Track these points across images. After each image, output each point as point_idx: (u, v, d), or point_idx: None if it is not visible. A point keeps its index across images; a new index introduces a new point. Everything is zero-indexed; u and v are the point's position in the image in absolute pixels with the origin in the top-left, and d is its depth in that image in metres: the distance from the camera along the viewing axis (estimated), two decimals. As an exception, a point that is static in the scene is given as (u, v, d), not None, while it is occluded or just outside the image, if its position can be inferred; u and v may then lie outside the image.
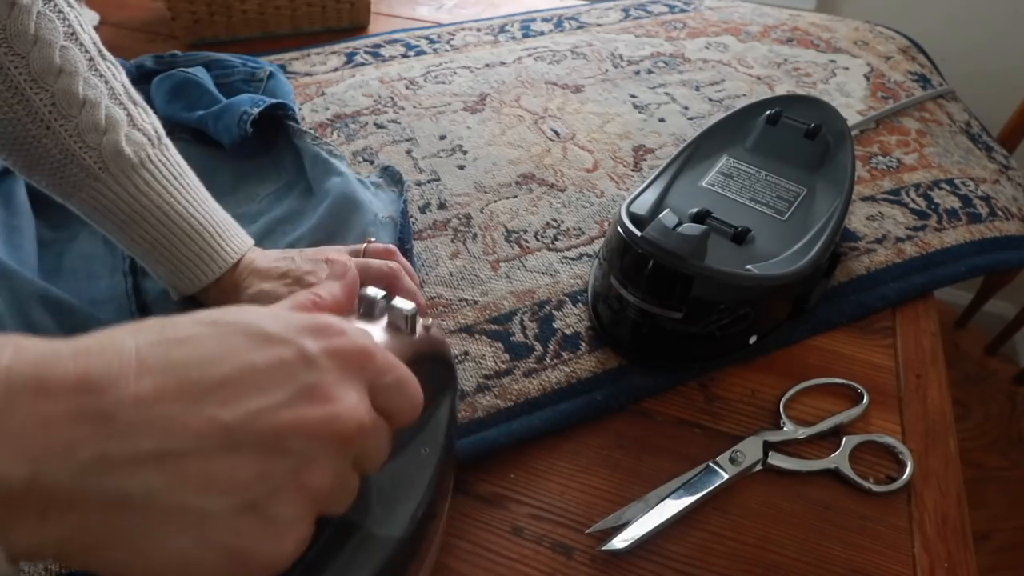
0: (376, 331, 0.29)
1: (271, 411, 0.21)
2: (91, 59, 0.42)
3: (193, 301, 0.49)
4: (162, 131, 0.46)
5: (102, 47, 0.44)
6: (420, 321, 0.31)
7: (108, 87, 0.43)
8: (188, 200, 0.46)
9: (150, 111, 0.46)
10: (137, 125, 0.44)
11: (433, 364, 0.34)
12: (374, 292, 0.30)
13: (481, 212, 0.61)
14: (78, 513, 0.19)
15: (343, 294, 0.29)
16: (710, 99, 0.76)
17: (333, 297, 0.29)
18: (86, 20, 0.43)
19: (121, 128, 0.43)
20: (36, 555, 0.19)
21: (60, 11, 0.41)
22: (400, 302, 0.30)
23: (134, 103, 0.45)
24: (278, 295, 0.45)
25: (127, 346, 0.21)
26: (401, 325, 0.30)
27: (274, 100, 0.64)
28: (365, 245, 0.49)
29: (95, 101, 0.42)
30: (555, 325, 0.51)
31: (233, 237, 0.48)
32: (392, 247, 0.49)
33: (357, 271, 0.30)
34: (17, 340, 0.20)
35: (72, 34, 0.41)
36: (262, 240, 0.55)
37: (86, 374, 0.19)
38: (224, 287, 0.48)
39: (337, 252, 0.48)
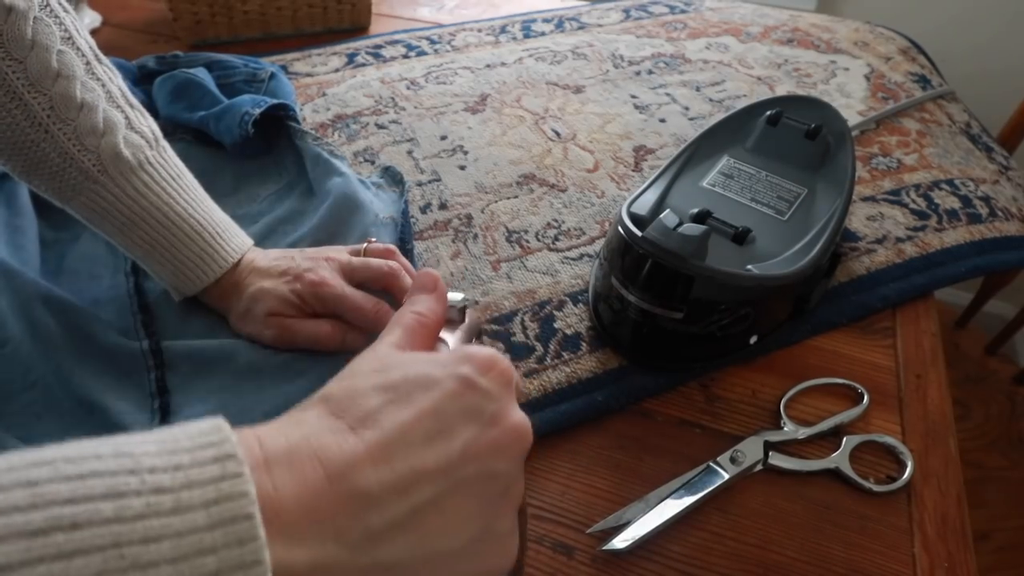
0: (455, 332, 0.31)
1: (475, 444, 0.23)
2: (88, 63, 0.43)
3: (194, 301, 0.50)
4: (159, 133, 0.47)
5: (98, 51, 0.44)
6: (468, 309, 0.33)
7: (105, 90, 0.43)
8: (187, 201, 0.46)
9: (147, 114, 0.46)
10: (135, 128, 0.45)
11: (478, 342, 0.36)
12: (451, 299, 0.32)
13: (482, 212, 0.61)
14: None
15: (440, 307, 0.30)
16: (711, 99, 0.77)
17: (434, 313, 0.30)
18: (82, 25, 0.44)
19: (119, 131, 0.43)
20: None
21: (56, 16, 0.41)
22: (450, 295, 0.32)
23: (131, 106, 0.45)
24: (279, 292, 0.45)
25: (336, 427, 0.23)
26: (454, 316, 0.32)
27: (275, 101, 0.65)
28: (365, 245, 0.50)
29: (93, 104, 0.42)
30: (556, 325, 0.52)
31: (233, 237, 0.48)
32: (392, 247, 0.50)
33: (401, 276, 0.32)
34: (251, 441, 0.21)
35: (69, 39, 0.41)
36: (263, 240, 0.55)
37: (326, 459, 0.21)
38: (224, 287, 0.48)
39: (337, 252, 0.48)
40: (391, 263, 0.47)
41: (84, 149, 0.42)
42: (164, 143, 0.46)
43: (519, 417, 0.25)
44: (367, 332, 0.46)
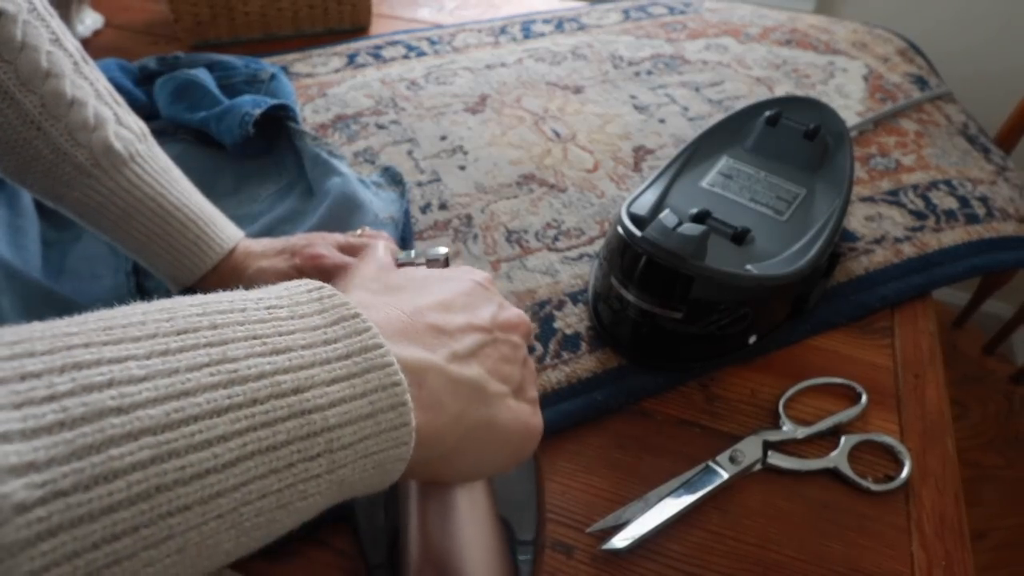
0: None
1: (496, 317, 0.28)
2: (75, 63, 0.43)
3: (192, 292, 0.50)
4: (147, 130, 0.48)
5: (85, 54, 0.45)
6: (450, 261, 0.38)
7: (94, 88, 0.44)
8: (178, 192, 0.47)
9: (132, 112, 0.47)
10: (123, 123, 0.46)
11: None
12: (435, 251, 0.38)
13: (482, 212, 0.61)
14: (453, 398, 0.24)
15: (391, 241, 0.36)
16: (710, 100, 0.77)
17: (389, 238, 0.35)
18: (66, 30, 0.44)
19: (109, 125, 0.44)
20: (420, 452, 0.23)
21: (44, 19, 0.42)
22: (433, 250, 0.38)
23: (118, 104, 0.46)
24: (278, 269, 0.47)
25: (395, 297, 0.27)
26: (439, 267, 0.36)
27: (275, 101, 0.65)
28: (360, 232, 0.50)
29: (83, 100, 0.43)
30: (555, 325, 0.52)
31: (226, 227, 0.49)
32: (384, 233, 0.50)
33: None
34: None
35: (56, 40, 0.42)
36: (264, 238, 0.55)
37: (399, 305, 0.25)
38: (223, 273, 0.48)
39: (331, 236, 0.49)
40: (371, 235, 0.49)
41: (76, 144, 0.43)
42: (151, 139, 0.47)
43: (518, 309, 0.31)
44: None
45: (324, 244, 0.47)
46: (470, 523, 0.29)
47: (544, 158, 0.68)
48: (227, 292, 0.21)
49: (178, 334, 0.18)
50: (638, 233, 0.46)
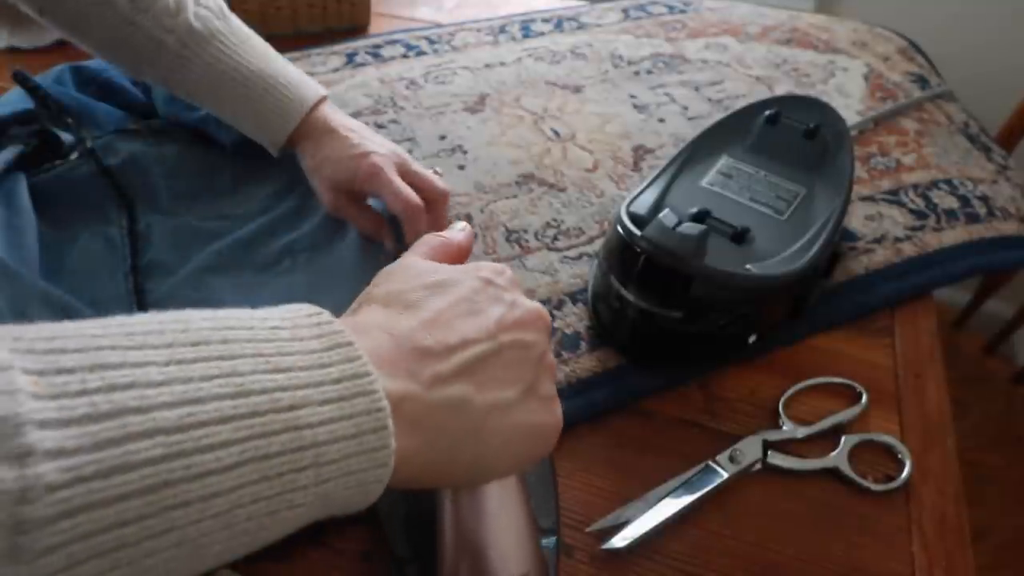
0: None
1: (505, 319, 0.28)
2: None
3: (198, 302, 0.50)
4: (224, 6, 0.53)
5: None
6: None
7: None
8: (258, 61, 0.52)
9: None
10: (201, 3, 0.51)
11: None
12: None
13: (481, 212, 0.61)
14: (431, 419, 0.25)
15: (467, 244, 0.35)
16: (710, 99, 0.77)
17: (459, 243, 0.35)
18: None
19: (189, 7, 0.51)
20: (405, 470, 0.24)
21: None
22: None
23: None
24: (342, 167, 0.51)
25: (389, 313, 0.27)
26: None
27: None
28: (432, 170, 0.55)
29: None
30: (555, 325, 0.52)
31: (304, 88, 0.53)
32: (447, 192, 0.54)
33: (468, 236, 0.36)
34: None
35: None
36: (264, 238, 0.55)
37: (388, 329, 0.26)
38: (305, 133, 0.53)
39: (404, 154, 0.53)
40: (443, 186, 0.53)
41: (165, 30, 0.50)
42: (228, 14, 0.53)
43: (534, 302, 0.31)
44: (400, 229, 0.51)
45: (389, 158, 0.51)
46: (503, 513, 0.30)
47: (543, 157, 0.68)
48: (235, 310, 0.23)
49: (193, 345, 0.20)
50: (638, 232, 0.46)
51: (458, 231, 0.35)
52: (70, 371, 0.17)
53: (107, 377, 0.18)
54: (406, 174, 0.51)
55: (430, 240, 0.34)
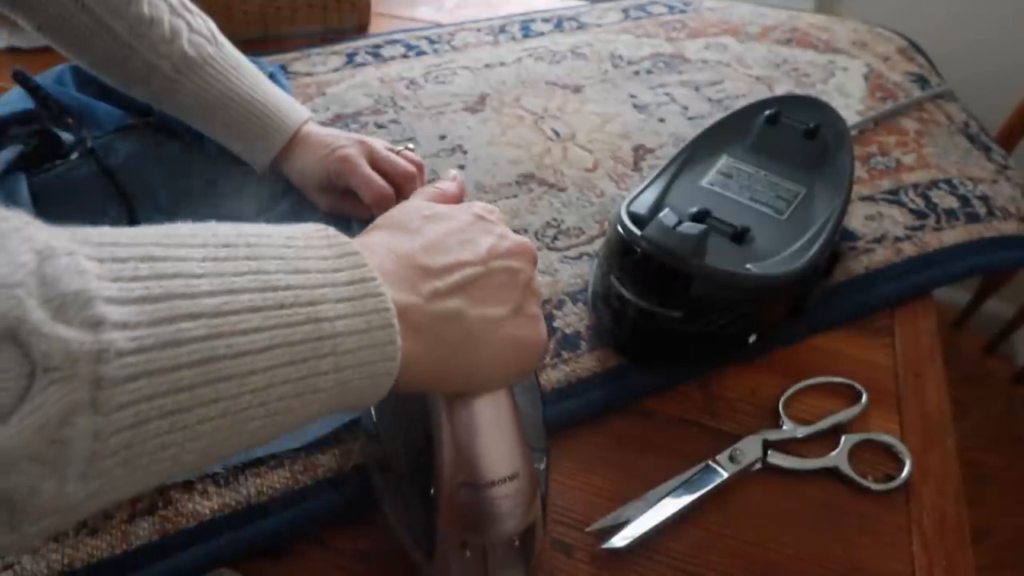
0: None
1: (495, 248, 0.31)
2: None
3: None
4: (217, 31, 0.56)
5: None
6: None
7: (167, 3, 0.53)
8: (248, 86, 0.55)
9: (205, 16, 0.55)
10: (195, 30, 0.54)
11: None
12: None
13: (481, 212, 0.61)
14: (430, 328, 0.28)
15: (458, 192, 0.39)
16: (710, 99, 0.77)
17: (452, 191, 0.38)
18: None
19: (183, 35, 0.53)
20: (408, 373, 0.27)
21: None
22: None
23: (190, 12, 0.54)
24: (321, 166, 0.55)
25: (393, 235, 0.30)
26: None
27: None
28: (402, 148, 0.57)
29: (159, 17, 0.52)
30: (555, 324, 0.52)
31: (291, 112, 0.56)
32: (421, 164, 0.57)
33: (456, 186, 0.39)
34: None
35: None
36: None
37: (392, 248, 0.29)
38: (291, 153, 0.56)
39: (376, 141, 0.56)
40: (410, 168, 0.55)
41: (160, 56, 0.52)
42: (222, 40, 0.56)
43: (522, 237, 0.34)
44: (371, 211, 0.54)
45: (359, 148, 0.55)
46: (495, 424, 0.32)
47: (543, 157, 0.68)
48: (253, 224, 0.26)
49: (224, 246, 0.23)
50: (638, 232, 0.46)
51: (450, 181, 0.39)
52: (124, 260, 0.20)
53: (155, 267, 0.20)
54: (375, 161, 0.54)
55: (426, 190, 0.37)
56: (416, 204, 0.33)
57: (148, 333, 0.19)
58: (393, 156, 0.55)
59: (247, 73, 0.55)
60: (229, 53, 0.55)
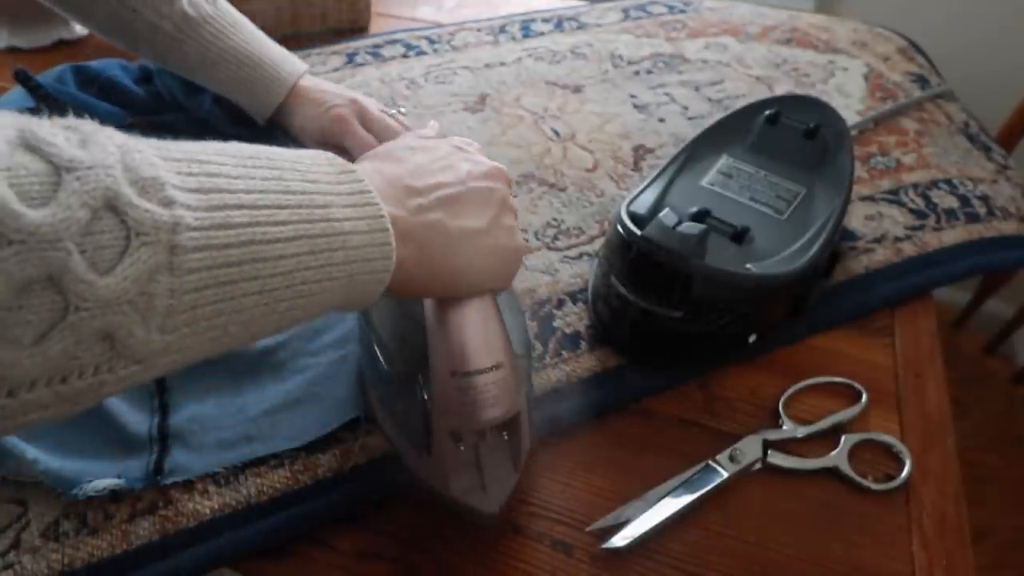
0: None
1: (473, 171, 0.36)
2: None
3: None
4: None
5: None
6: None
7: None
8: (246, 43, 0.58)
9: None
10: None
11: None
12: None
13: (481, 212, 0.61)
14: (416, 236, 0.32)
15: (435, 133, 0.43)
16: (710, 99, 0.77)
17: (430, 135, 0.41)
18: None
19: None
20: (400, 275, 0.31)
21: None
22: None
23: None
24: (316, 124, 0.58)
25: (383, 162, 0.35)
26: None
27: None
28: (395, 111, 0.60)
29: None
30: (555, 324, 0.52)
31: (287, 65, 0.59)
32: (407, 126, 0.60)
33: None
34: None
35: None
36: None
37: (382, 172, 0.33)
38: (290, 106, 0.59)
39: (368, 100, 0.59)
40: (401, 131, 0.57)
41: (162, 16, 0.55)
42: (219, 1, 0.58)
43: (497, 163, 0.38)
44: None
45: (351, 111, 0.57)
46: (480, 323, 0.36)
47: (544, 157, 0.68)
48: (266, 146, 0.29)
49: (248, 157, 0.27)
50: (638, 232, 0.46)
51: (428, 130, 0.44)
52: (179, 160, 0.24)
53: (203, 167, 0.24)
54: (366, 121, 0.57)
55: (409, 134, 0.42)
56: (403, 139, 0.38)
57: (206, 216, 0.23)
58: (386, 118, 0.58)
59: (245, 30, 0.58)
60: (226, 11, 0.58)
